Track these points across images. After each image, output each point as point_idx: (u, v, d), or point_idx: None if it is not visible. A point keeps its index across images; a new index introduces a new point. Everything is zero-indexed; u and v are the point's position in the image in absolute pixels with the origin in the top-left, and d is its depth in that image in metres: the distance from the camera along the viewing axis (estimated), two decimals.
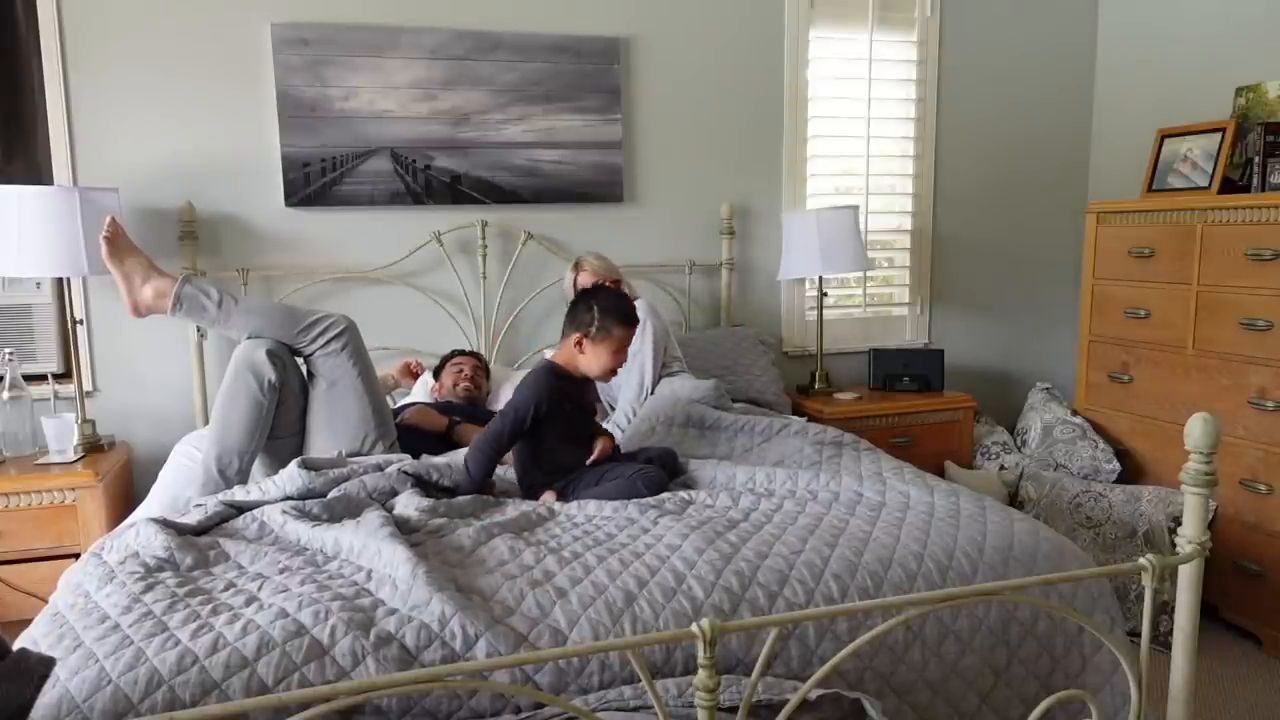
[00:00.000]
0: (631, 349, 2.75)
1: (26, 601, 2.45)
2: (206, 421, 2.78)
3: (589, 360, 2.18)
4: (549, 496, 2.12)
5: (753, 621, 1.15)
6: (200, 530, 1.81)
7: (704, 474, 2.22)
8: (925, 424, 3.34)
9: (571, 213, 3.30)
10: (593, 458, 2.15)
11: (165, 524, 1.75)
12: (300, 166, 2.98)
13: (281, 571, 1.61)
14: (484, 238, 3.15)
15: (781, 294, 3.59)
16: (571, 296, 2.90)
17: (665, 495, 2.04)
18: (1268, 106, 3.00)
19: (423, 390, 2.89)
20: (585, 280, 2.88)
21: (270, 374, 2.22)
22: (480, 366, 2.89)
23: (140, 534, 1.72)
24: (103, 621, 1.43)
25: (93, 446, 2.73)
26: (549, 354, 2.31)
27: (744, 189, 3.50)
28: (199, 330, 2.88)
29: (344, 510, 1.90)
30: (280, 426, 2.30)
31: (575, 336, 2.17)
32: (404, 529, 1.80)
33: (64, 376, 2.88)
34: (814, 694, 1.35)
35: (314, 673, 1.34)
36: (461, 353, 2.92)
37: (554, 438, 2.15)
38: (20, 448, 2.68)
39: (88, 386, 2.88)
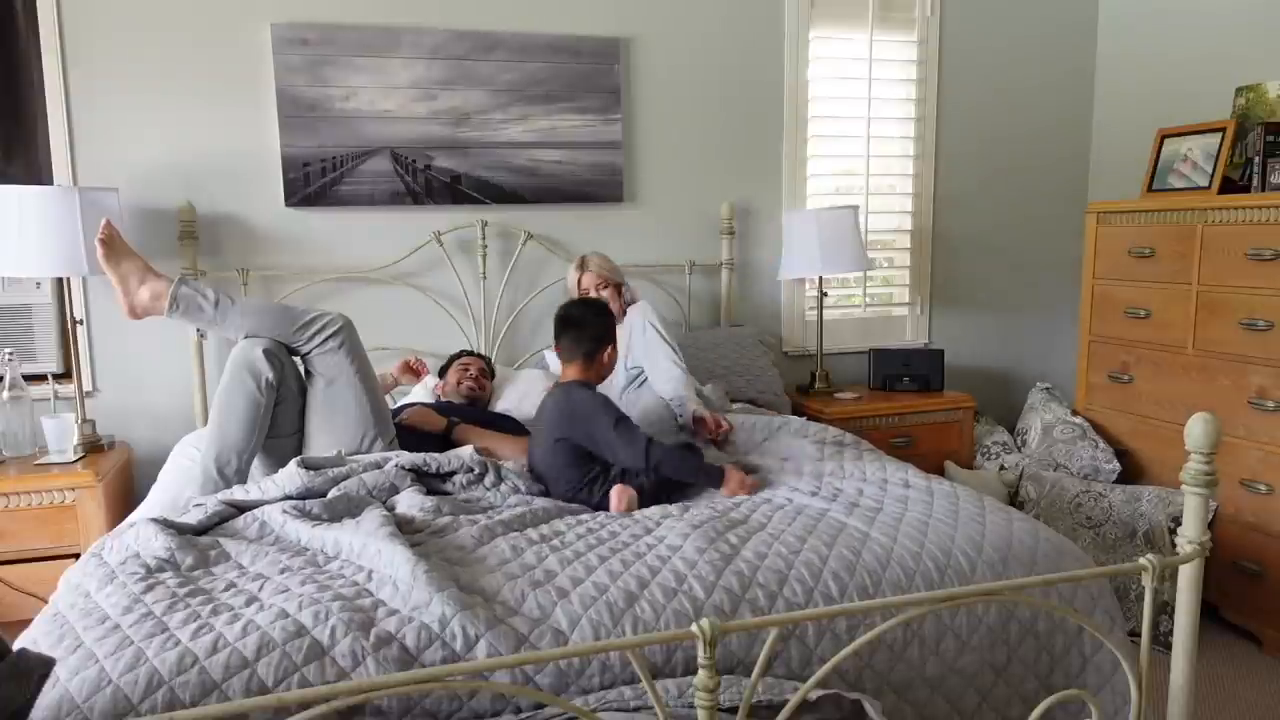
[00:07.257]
0: (640, 349, 2.78)
1: (26, 601, 2.45)
2: (206, 421, 2.78)
3: (613, 365, 2.33)
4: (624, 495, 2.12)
5: (752, 622, 1.15)
6: (200, 530, 1.81)
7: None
8: (925, 424, 3.34)
9: (571, 213, 3.30)
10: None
11: (165, 524, 1.75)
12: (300, 166, 2.98)
13: (282, 572, 1.61)
14: (484, 238, 3.15)
15: (781, 294, 3.59)
16: (575, 295, 2.92)
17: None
18: (1268, 106, 3.00)
19: (425, 389, 2.89)
20: (589, 281, 2.92)
21: (268, 373, 2.22)
22: (486, 369, 2.89)
23: (140, 534, 1.72)
24: (103, 622, 1.43)
25: (93, 446, 2.73)
26: (565, 374, 2.32)
27: (744, 189, 3.50)
28: (199, 331, 2.88)
29: (344, 509, 1.90)
30: (279, 425, 2.30)
31: (606, 350, 2.29)
32: (407, 529, 1.80)
33: (64, 376, 2.88)
34: (814, 694, 1.35)
35: (314, 673, 1.34)
36: (469, 353, 2.93)
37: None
38: (20, 448, 2.67)
39: (87, 386, 2.88)
